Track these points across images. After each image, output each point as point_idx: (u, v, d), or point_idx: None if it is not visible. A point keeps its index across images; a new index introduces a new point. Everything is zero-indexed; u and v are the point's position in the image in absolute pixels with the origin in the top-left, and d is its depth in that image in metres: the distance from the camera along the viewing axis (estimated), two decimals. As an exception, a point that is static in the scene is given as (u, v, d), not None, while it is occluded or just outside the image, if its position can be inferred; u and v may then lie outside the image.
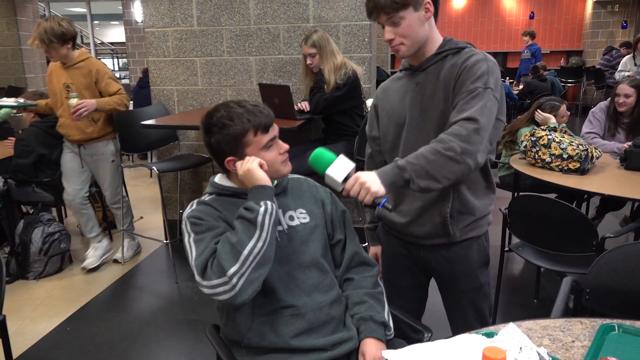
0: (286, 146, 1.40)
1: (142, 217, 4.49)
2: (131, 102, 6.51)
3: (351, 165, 1.31)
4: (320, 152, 1.34)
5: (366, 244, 1.84)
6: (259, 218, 1.24)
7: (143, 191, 5.39)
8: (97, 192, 3.99)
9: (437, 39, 1.47)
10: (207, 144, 1.39)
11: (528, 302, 2.91)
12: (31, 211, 3.79)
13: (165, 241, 3.80)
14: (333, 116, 3.15)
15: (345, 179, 1.30)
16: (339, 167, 1.30)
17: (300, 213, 1.45)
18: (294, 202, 1.46)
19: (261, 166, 1.31)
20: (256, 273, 1.25)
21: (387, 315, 1.45)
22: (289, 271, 1.39)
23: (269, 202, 1.27)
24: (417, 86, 1.48)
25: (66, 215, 4.49)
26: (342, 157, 1.32)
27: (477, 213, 1.52)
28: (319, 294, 1.41)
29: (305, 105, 3.15)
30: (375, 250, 1.78)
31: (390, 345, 1.42)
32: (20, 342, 2.60)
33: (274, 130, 1.38)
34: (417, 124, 1.45)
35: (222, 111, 1.35)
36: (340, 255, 1.51)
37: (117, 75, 15.96)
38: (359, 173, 1.29)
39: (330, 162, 1.31)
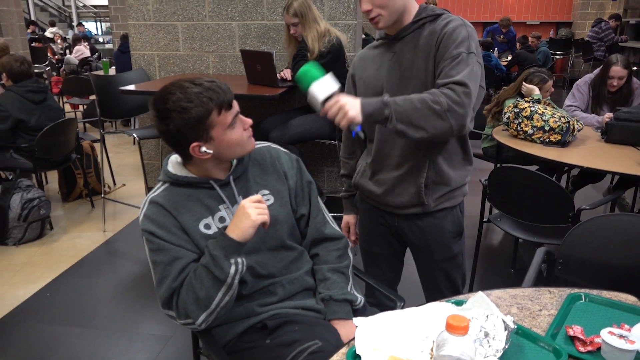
0: (249, 121, 1.32)
1: (124, 185, 4.46)
2: (113, 67, 6.42)
3: (336, 86, 1.29)
4: (309, 68, 1.29)
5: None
6: (229, 280, 1.21)
7: (126, 158, 5.33)
8: (78, 159, 3.94)
9: (414, 7, 1.44)
10: (163, 132, 1.24)
11: (505, 271, 2.96)
12: (10, 177, 3.74)
13: (147, 209, 3.77)
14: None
15: (328, 99, 1.27)
16: (324, 86, 1.27)
17: (263, 195, 1.38)
18: (256, 184, 1.39)
19: (264, 224, 1.25)
20: (223, 311, 1.27)
21: (350, 288, 1.43)
22: (258, 259, 1.36)
23: (239, 260, 1.22)
24: (394, 55, 1.46)
25: (47, 182, 4.44)
26: (329, 76, 1.29)
27: (453, 184, 1.51)
28: (291, 271, 1.40)
29: (287, 74, 3.10)
30: (347, 219, 1.77)
31: (362, 315, 1.43)
32: (-1, 308, 2.60)
33: (236, 106, 1.27)
34: (395, 92, 1.43)
35: (177, 93, 1.20)
36: (304, 229, 1.48)
37: (100, 39, 15.57)
38: (342, 96, 1.28)
39: (316, 79, 1.28)
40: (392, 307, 1.48)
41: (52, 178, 4.40)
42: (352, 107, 1.26)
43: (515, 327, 1.02)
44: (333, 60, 2.95)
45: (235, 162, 1.36)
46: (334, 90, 1.28)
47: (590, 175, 3.54)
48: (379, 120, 1.30)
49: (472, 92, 1.30)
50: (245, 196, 1.32)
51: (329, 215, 1.51)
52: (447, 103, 1.27)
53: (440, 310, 1.10)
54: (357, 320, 1.11)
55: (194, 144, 1.24)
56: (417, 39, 1.41)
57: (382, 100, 1.29)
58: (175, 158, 1.37)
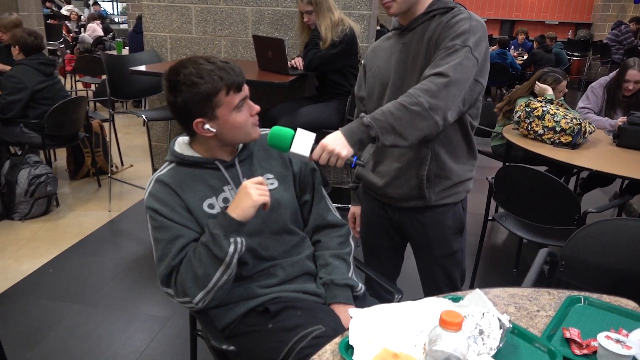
0: (257, 108, 1.32)
1: (132, 165, 4.47)
2: (127, 47, 6.42)
3: (312, 136, 1.26)
4: (277, 131, 1.26)
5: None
6: (227, 259, 1.22)
7: (135, 139, 5.35)
8: (87, 138, 3.95)
9: None
10: (171, 104, 1.27)
11: (507, 271, 2.94)
12: (19, 152, 3.76)
13: (153, 190, 3.78)
14: (327, 74, 3.09)
15: (312, 151, 1.25)
16: (301, 142, 1.25)
17: (268, 179, 1.39)
18: (260, 168, 1.40)
19: (264, 206, 1.25)
20: (221, 291, 1.27)
21: (351, 274, 1.44)
22: (260, 242, 1.36)
23: (239, 240, 1.23)
24: (403, 46, 1.44)
25: (55, 159, 4.47)
26: (300, 130, 1.26)
27: (455, 177, 1.49)
28: (292, 255, 1.41)
29: (299, 62, 3.08)
30: (354, 210, 1.76)
31: (362, 303, 1.43)
32: (3, 281, 2.62)
33: (245, 90, 1.29)
34: (400, 84, 1.41)
35: (190, 67, 1.22)
36: (307, 216, 1.49)
37: (116, 19, 15.58)
38: (325, 139, 1.25)
39: (289, 138, 1.25)
40: (390, 300, 1.48)
41: (61, 156, 4.42)
42: (339, 146, 1.23)
43: (511, 326, 1.01)
44: (345, 50, 2.94)
45: (241, 145, 1.37)
46: (312, 142, 1.26)
47: (600, 179, 3.50)
48: (368, 142, 1.28)
49: (453, 83, 1.26)
50: (249, 179, 1.32)
51: (331, 204, 1.52)
52: (426, 101, 1.24)
53: (437, 305, 1.09)
54: (352, 311, 1.10)
55: (198, 119, 1.25)
56: (426, 30, 1.39)
57: (362, 123, 1.26)
58: (182, 139, 1.39)
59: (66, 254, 2.95)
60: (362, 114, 1.31)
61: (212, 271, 1.22)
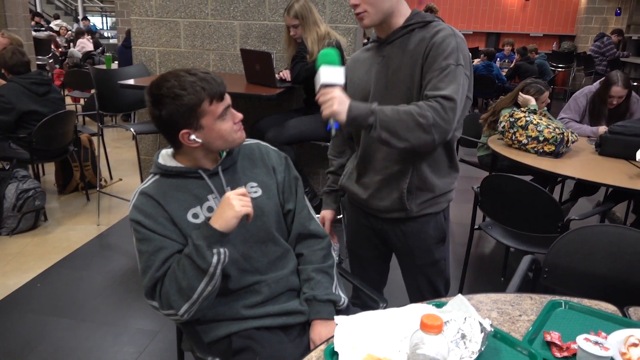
0: (240, 115, 1.35)
1: (120, 179, 4.47)
2: (116, 62, 6.44)
3: (342, 80, 1.34)
4: (334, 54, 1.34)
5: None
6: (211, 269, 1.23)
7: (124, 153, 5.34)
8: (75, 152, 3.95)
9: (405, 12, 1.45)
10: (155, 118, 1.28)
11: (495, 279, 2.97)
12: (7, 167, 3.74)
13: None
14: (314, 86, 3.12)
15: (327, 86, 1.32)
16: (332, 73, 1.33)
17: (252, 187, 1.40)
18: (244, 176, 1.41)
19: (247, 217, 1.26)
20: (206, 302, 1.27)
21: (335, 288, 1.43)
22: (244, 252, 1.36)
23: (222, 251, 1.24)
24: (383, 59, 1.47)
25: (44, 173, 4.45)
26: (342, 69, 1.34)
27: (437, 190, 1.52)
28: (277, 269, 1.41)
29: (286, 74, 3.11)
30: (324, 214, 1.76)
31: (346, 313, 1.44)
32: (-11, 296, 2.60)
33: (227, 99, 1.31)
34: (382, 96, 1.45)
35: (172, 80, 1.24)
36: (290, 225, 1.48)
37: (106, 34, 15.59)
38: (337, 92, 1.31)
39: (332, 64, 1.33)
40: (375, 308, 1.49)
41: (49, 170, 4.41)
42: (340, 103, 1.30)
43: (493, 329, 1.03)
44: (332, 63, 2.97)
45: (224, 153, 1.38)
46: (337, 82, 1.33)
47: (584, 188, 3.55)
48: (362, 126, 1.34)
49: (458, 107, 1.33)
50: (233, 187, 1.34)
51: (313, 212, 1.52)
52: (433, 117, 1.29)
53: (420, 311, 1.11)
54: (337, 318, 1.12)
55: (184, 131, 1.27)
56: (406, 44, 1.42)
57: (369, 108, 1.32)
58: (165, 151, 1.40)
59: (54, 268, 2.93)
60: (374, 102, 1.36)
61: (196, 282, 1.23)
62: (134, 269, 2.94)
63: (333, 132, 1.34)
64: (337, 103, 1.29)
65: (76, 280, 2.82)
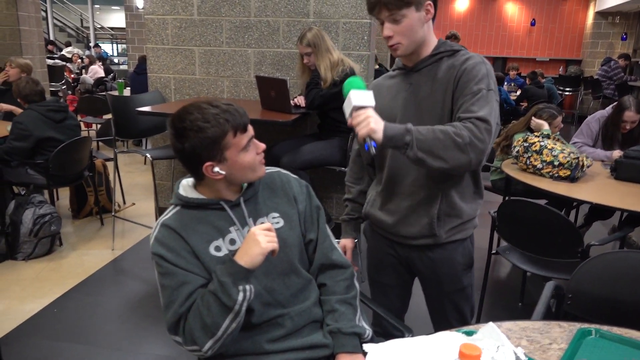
0: (263, 146, 1.33)
1: (133, 204, 4.50)
2: (128, 88, 6.54)
3: (372, 102, 1.36)
4: (359, 81, 1.38)
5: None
6: (236, 307, 1.20)
7: (136, 178, 5.39)
8: (90, 177, 3.99)
9: (433, 41, 1.48)
10: (177, 150, 1.26)
11: (513, 305, 2.94)
12: (23, 192, 3.79)
13: (156, 228, 3.80)
14: (329, 112, 3.16)
15: (360, 107, 1.34)
16: (362, 96, 1.35)
17: (273, 218, 1.37)
18: (265, 206, 1.38)
19: (273, 252, 1.24)
20: (230, 337, 1.25)
21: (358, 319, 1.41)
22: (267, 285, 1.34)
23: (247, 287, 1.21)
24: (410, 86, 1.50)
25: (58, 198, 4.49)
26: (371, 93, 1.37)
27: (465, 216, 1.53)
28: (299, 301, 1.38)
29: (301, 100, 3.16)
30: (345, 242, 1.75)
31: (371, 342, 1.43)
32: (6, 322, 2.60)
33: (251, 130, 1.29)
34: (411, 122, 1.47)
35: (195, 113, 1.23)
36: (312, 255, 1.45)
37: (116, 60, 15.88)
38: (371, 111, 1.33)
39: (359, 88, 1.36)
40: (400, 337, 1.48)
41: (64, 195, 4.45)
42: (376, 121, 1.32)
43: (527, 359, 1.03)
44: (346, 89, 3.01)
45: (245, 184, 1.37)
46: (368, 104, 1.36)
47: (599, 212, 3.54)
48: (398, 146, 1.34)
49: (493, 129, 1.34)
50: (255, 218, 1.33)
51: (336, 242, 1.50)
52: (469, 137, 1.31)
53: (451, 339, 1.11)
54: (367, 346, 1.12)
55: (208, 163, 1.25)
56: (435, 72, 1.45)
57: (405, 127, 1.33)
58: (186, 182, 1.38)
59: (70, 293, 2.94)
60: (408, 122, 1.37)
61: (221, 320, 1.20)
62: (149, 294, 2.94)
63: (373, 151, 1.34)
64: (373, 122, 1.31)
65: (92, 305, 2.82)
